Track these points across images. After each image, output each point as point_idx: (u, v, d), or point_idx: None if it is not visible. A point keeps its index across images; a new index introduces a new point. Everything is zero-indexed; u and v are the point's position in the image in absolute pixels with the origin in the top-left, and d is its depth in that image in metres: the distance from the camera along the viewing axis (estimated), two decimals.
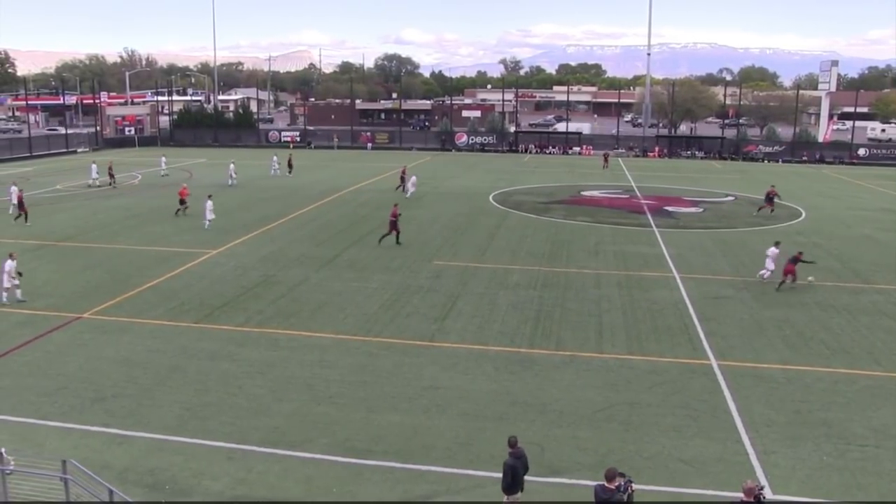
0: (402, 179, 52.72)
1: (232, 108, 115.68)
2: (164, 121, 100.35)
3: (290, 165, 61.94)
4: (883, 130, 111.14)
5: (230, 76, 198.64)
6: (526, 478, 12.85)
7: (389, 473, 14.34)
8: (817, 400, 18.32)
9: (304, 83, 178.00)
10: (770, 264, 29.30)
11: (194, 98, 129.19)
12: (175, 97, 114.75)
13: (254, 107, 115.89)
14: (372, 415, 16.82)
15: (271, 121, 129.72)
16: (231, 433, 15.79)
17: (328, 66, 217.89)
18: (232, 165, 55.20)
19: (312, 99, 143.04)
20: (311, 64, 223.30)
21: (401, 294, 26.41)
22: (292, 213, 42.02)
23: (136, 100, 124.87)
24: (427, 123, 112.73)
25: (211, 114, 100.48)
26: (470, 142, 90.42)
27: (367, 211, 43.20)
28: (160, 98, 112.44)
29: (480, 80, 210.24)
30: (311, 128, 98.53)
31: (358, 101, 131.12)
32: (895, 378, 19.87)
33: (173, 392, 17.95)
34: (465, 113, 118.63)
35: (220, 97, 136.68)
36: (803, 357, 21.27)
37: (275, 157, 59.87)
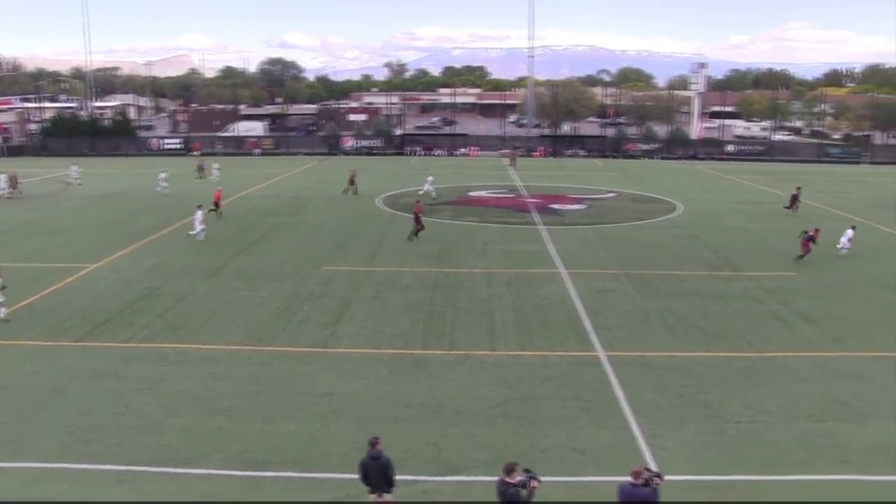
0: (352, 182, 52.94)
1: (109, 114, 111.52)
2: (35, 129, 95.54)
3: (200, 170, 60.99)
4: (748, 128, 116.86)
5: (106, 82, 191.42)
6: (425, 478, 13.08)
7: (288, 483, 14.29)
8: (698, 383, 19.26)
9: (185, 88, 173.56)
10: (846, 242, 34.20)
11: (67, 105, 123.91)
12: (46, 104, 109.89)
13: (133, 113, 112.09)
14: (268, 425, 16.69)
15: (152, 128, 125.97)
16: (120, 454, 15.28)
17: (210, 71, 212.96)
18: (163, 174, 53.53)
19: (194, 105, 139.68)
20: (193, 69, 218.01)
21: (292, 301, 26.26)
22: (178, 222, 40.96)
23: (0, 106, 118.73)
24: (313, 128, 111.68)
25: (86, 121, 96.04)
26: (357, 145, 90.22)
27: (255, 218, 42.65)
28: (28, 105, 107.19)
29: (366, 84, 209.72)
30: (194, 134, 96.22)
31: (242, 107, 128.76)
32: (766, 358, 21.09)
33: (55, 416, 17.15)
34: (351, 117, 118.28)
35: (96, 104, 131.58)
36: (685, 344, 22.28)
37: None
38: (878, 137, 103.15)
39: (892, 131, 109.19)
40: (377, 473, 12.41)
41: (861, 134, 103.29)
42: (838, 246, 34.30)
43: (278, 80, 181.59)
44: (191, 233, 36.46)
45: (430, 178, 52.62)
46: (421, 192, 49.83)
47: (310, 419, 17.02)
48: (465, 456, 15.29)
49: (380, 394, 18.44)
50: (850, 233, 34.55)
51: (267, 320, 24.15)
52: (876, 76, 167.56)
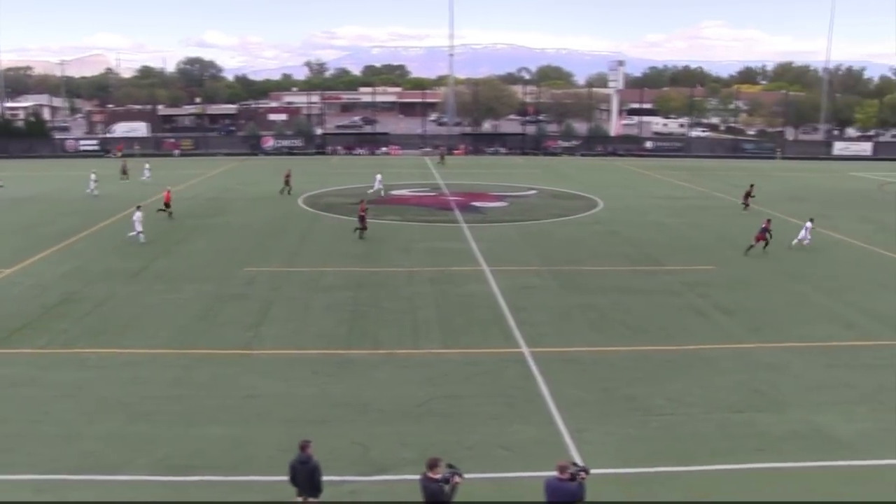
0: (287, 182, 52.57)
1: (22, 115, 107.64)
2: None
3: (124, 172, 59.71)
4: (665, 125, 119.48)
5: (18, 82, 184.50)
6: (352, 478, 12.96)
7: (213, 488, 14.02)
8: (621, 377, 19.55)
9: (101, 89, 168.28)
10: (806, 234, 35.57)
11: None
12: None
13: (47, 114, 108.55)
14: (191, 429, 16.36)
15: (67, 129, 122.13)
16: (38, 464, 14.79)
17: (127, 71, 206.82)
18: (93, 175, 51.86)
19: (111, 105, 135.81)
20: (109, 68, 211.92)
21: (214, 303, 25.80)
22: (96, 225, 39.89)
23: None
24: (233, 128, 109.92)
25: None
26: (277, 145, 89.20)
27: (176, 220, 41.75)
28: None
29: (286, 83, 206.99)
30: (111, 136, 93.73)
31: (160, 107, 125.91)
32: (687, 351, 21.57)
33: None
34: (271, 116, 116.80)
35: (8, 104, 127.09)
36: (607, 338, 22.61)
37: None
38: (790, 133, 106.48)
39: (803, 127, 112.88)
40: (305, 477, 12.27)
41: (774, 130, 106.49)
42: (798, 239, 35.61)
43: (197, 79, 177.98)
44: (130, 234, 35.69)
45: (379, 177, 53.08)
46: (371, 191, 50.15)
47: (234, 422, 16.73)
48: (392, 455, 15.24)
49: (304, 395, 18.24)
50: (808, 225, 35.93)
51: (189, 323, 23.69)
52: (787, 74, 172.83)
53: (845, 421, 17.21)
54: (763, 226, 35.07)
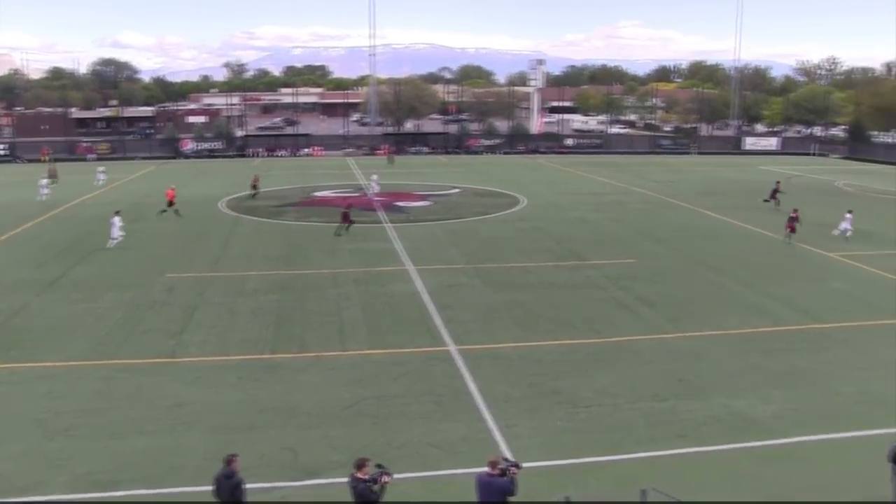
0: (254, 187, 51.76)
1: None
2: None
3: (52, 176, 57.89)
4: (585, 122, 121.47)
5: None
6: (282, 483, 12.84)
7: (139, 502, 13.72)
8: (548, 371, 19.81)
9: (7, 91, 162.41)
10: (847, 225, 36.98)
11: None
12: None
13: None
14: (114, 442, 15.93)
15: None
16: None
17: (36, 72, 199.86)
18: (44, 181, 49.83)
19: (19, 108, 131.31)
20: (15, 69, 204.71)
21: (134, 311, 25.18)
22: (4, 234, 38.57)
23: None
24: (151, 131, 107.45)
25: None
26: (197, 148, 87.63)
27: (93, 226, 40.50)
28: None
29: (205, 85, 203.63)
30: (21, 140, 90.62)
31: (73, 110, 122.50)
32: (611, 343, 21.98)
33: None
34: (190, 119, 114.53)
35: None
36: (533, 333, 22.87)
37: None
38: (704, 129, 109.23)
39: (716, 123, 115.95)
40: (227, 493, 12.01)
41: (689, 126, 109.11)
42: (841, 229, 37.17)
43: (112, 81, 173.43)
44: (111, 240, 35.04)
45: (375, 177, 54.02)
46: (370, 193, 51.18)
47: (159, 433, 16.38)
48: (322, 458, 15.15)
49: (231, 401, 17.99)
50: (849, 216, 37.28)
51: (108, 332, 23.05)
52: (700, 72, 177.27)
53: (761, 404, 17.86)
54: (792, 215, 36.89)
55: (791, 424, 16.83)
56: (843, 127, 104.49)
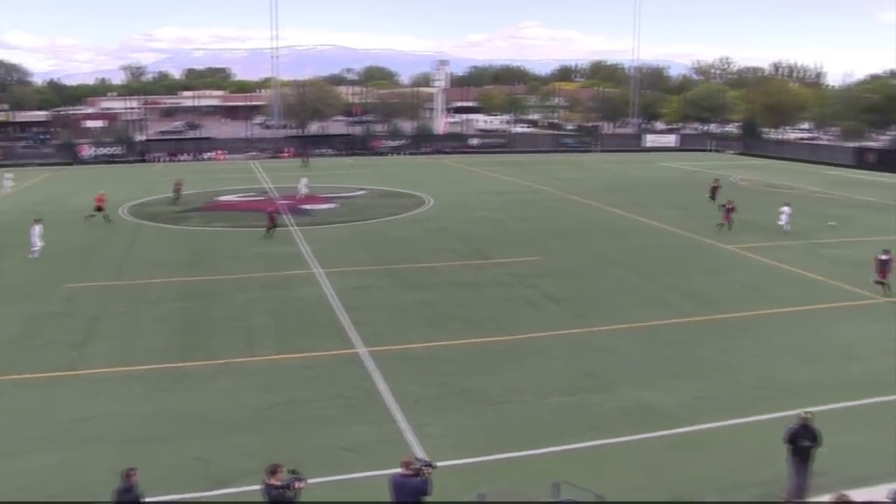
0: (177, 192, 50.69)
1: None
2: None
3: None
4: (489, 122, 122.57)
5: None
6: (194, 494, 12.56)
7: None
8: (458, 370, 19.95)
9: None
10: (784, 219, 38.68)
11: None
12: None
13: None
14: (13, 462, 15.30)
15: None
16: None
17: None
18: (9, 179, 47.28)
19: None
20: None
21: (30, 324, 24.23)
22: None
23: None
24: (47, 136, 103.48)
25: None
26: (96, 153, 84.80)
27: None
28: None
29: (103, 88, 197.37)
30: None
31: None
32: (519, 340, 22.30)
33: None
34: (88, 123, 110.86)
35: None
36: (442, 333, 22.97)
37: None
38: (606, 127, 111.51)
39: (617, 121, 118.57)
40: None
41: (591, 125, 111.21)
42: (780, 223, 38.78)
43: (0, 84, 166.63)
44: (32, 250, 33.60)
45: (305, 181, 53.45)
46: (299, 196, 50.88)
47: (63, 449, 15.83)
48: (233, 467, 14.90)
49: (139, 413, 17.52)
50: (786, 209, 38.99)
51: (3, 347, 22.10)
52: (600, 72, 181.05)
53: (667, 394, 18.40)
54: (728, 207, 39.18)
55: (696, 412, 17.38)
56: (737, 124, 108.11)
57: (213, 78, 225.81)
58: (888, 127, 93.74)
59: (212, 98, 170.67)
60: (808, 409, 14.23)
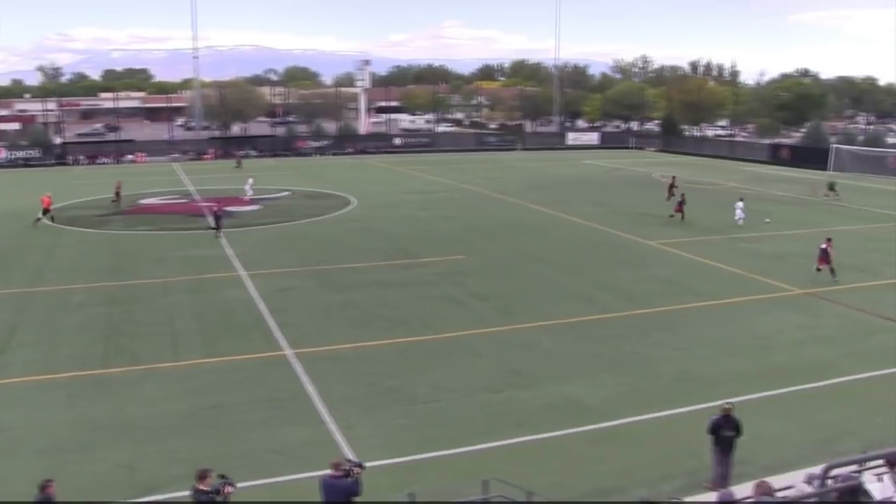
0: (118, 195, 49.37)
1: None
2: None
3: None
4: (412, 122, 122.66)
5: None
6: (121, 502, 12.29)
7: None
8: (385, 370, 20.03)
9: None
10: (739, 212, 40.55)
11: None
12: None
13: None
14: None
15: None
16: None
17: None
18: None
19: None
20: None
21: None
22: None
23: None
24: None
25: None
26: (11, 157, 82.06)
27: None
28: None
29: (17, 90, 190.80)
30: None
31: None
32: (446, 338, 22.51)
33: None
34: (1, 126, 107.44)
35: None
36: (369, 333, 23.00)
37: None
38: (529, 126, 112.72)
39: (539, 120, 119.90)
40: None
41: (514, 123, 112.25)
42: (736, 218, 40.38)
43: None
44: None
45: (251, 181, 52.84)
46: (246, 198, 50.29)
47: None
48: (160, 473, 14.71)
49: (61, 421, 17.14)
50: (741, 204, 40.81)
51: None
52: (522, 71, 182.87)
53: (592, 388, 18.80)
54: (680, 200, 42.55)
55: (620, 406, 17.79)
56: (656, 121, 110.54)
57: (133, 79, 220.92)
58: (800, 124, 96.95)
59: (132, 100, 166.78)
60: (729, 400, 14.77)
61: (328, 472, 11.70)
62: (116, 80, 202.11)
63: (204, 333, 23.21)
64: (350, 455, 14.70)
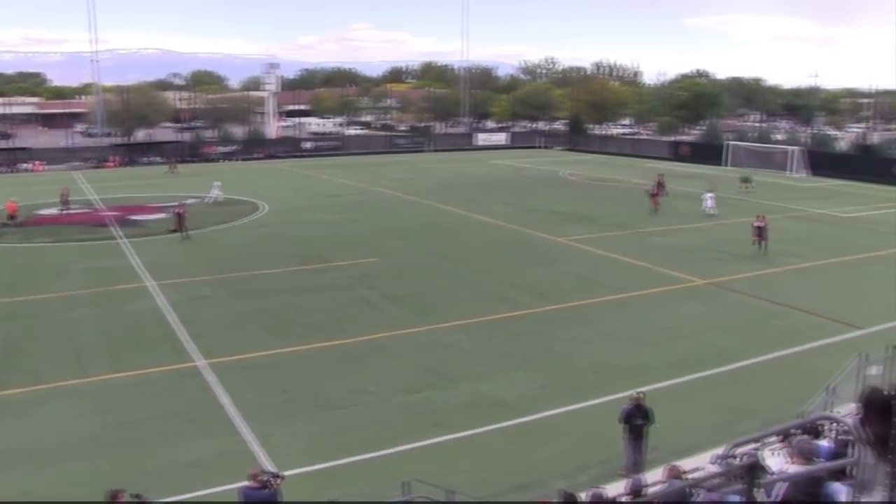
0: (66, 202, 48.96)
1: None
2: None
3: None
4: (322, 125, 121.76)
5: None
6: None
7: None
8: (301, 376, 19.81)
9: None
10: (710, 202, 43.07)
11: None
12: None
13: None
14: None
15: None
16: None
17: None
18: None
19: None
20: None
21: None
22: None
23: None
24: None
25: None
26: None
27: None
28: None
29: None
30: None
31: None
32: (362, 342, 22.38)
33: None
34: None
35: None
36: (283, 340, 22.71)
37: None
38: (438, 127, 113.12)
39: (449, 121, 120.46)
40: None
41: (423, 125, 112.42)
42: (705, 208, 42.79)
43: None
44: None
45: (218, 184, 52.61)
46: (209, 201, 50.30)
47: None
48: (68, 497, 14.09)
49: None
50: (710, 195, 43.61)
51: None
52: (430, 72, 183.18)
53: (508, 385, 19.00)
54: (653, 193, 45.53)
55: (536, 401, 18.00)
56: (563, 121, 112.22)
57: (27, 83, 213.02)
58: (697, 122, 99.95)
59: (26, 105, 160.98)
60: (639, 390, 15.17)
61: (246, 483, 11.51)
62: (8, 85, 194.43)
63: (111, 347, 22.47)
64: (268, 465, 14.47)
